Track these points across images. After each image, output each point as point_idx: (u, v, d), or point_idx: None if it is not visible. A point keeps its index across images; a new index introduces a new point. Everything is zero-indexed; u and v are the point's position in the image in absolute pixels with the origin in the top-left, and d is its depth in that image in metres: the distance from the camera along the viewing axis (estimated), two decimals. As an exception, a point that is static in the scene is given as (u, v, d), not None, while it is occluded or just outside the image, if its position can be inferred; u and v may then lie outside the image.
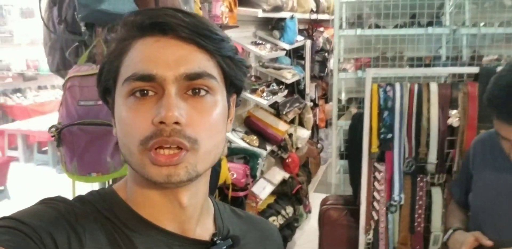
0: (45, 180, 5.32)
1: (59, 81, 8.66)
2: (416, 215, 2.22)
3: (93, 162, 1.63)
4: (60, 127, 1.63)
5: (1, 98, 7.62)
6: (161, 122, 0.56)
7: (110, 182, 1.96)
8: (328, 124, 5.70)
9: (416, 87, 2.10)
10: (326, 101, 5.79)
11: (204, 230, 0.69)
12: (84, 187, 1.83)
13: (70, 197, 0.66)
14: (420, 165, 2.19)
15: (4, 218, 0.56)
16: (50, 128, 1.66)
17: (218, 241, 0.68)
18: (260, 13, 3.26)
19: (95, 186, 1.91)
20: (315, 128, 5.26)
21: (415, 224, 2.22)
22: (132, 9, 1.64)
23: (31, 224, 0.55)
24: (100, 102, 1.59)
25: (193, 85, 0.59)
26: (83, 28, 1.62)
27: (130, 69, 0.59)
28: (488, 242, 1.29)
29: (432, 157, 2.14)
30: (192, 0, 2.24)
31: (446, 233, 1.46)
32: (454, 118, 2.10)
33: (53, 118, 6.14)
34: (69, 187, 1.77)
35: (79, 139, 1.61)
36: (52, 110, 7.61)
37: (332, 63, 5.54)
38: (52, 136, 1.66)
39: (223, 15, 2.93)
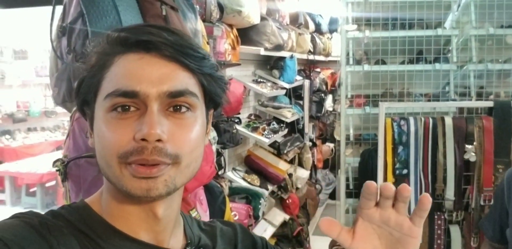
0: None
1: (49, 123, 8.54)
2: (435, 256, 2.11)
3: (100, 198, 1.53)
4: (66, 160, 1.53)
5: (-11, 140, 7.47)
6: (143, 139, 0.57)
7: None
8: (328, 164, 5.63)
9: (430, 121, 2.06)
10: (324, 142, 5.75)
11: (176, 241, 0.70)
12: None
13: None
14: (437, 202, 2.11)
15: None
16: (55, 161, 1.56)
17: None
18: (262, 51, 3.27)
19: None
20: (313, 169, 5.18)
21: (435, 265, 2.11)
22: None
23: (2, 238, 0.54)
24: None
25: (174, 102, 0.60)
26: (94, 57, 1.57)
27: (112, 84, 0.60)
28: None
29: (450, 193, 2.07)
30: (200, 34, 2.22)
31: None
32: (470, 152, 2.04)
33: (42, 160, 5.95)
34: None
35: (86, 173, 1.51)
36: (41, 152, 7.46)
37: (327, 104, 5.60)
38: (57, 170, 1.55)
39: (226, 52, 2.93)
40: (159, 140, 0.57)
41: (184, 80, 0.61)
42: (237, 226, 0.83)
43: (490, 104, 2.10)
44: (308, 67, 5.06)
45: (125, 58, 0.61)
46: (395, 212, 0.61)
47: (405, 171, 2.08)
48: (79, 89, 0.65)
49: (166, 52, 0.60)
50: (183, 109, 0.61)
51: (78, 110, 0.67)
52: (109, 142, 0.59)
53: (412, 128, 2.05)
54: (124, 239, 0.63)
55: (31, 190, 6.04)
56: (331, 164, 5.80)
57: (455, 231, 2.13)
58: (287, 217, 4.06)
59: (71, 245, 0.59)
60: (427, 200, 0.59)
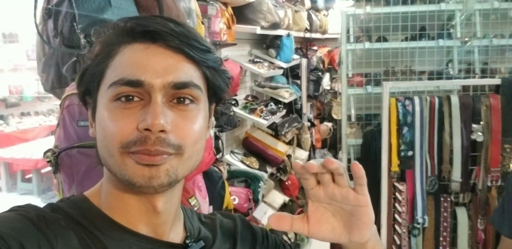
0: (30, 210, 5.05)
1: (43, 107, 8.41)
2: (441, 238, 2.06)
3: (95, 189, 1.45)
4: (57, 150, 1.45)
5: (-18, 126, 7.37)
6: (146, 129, 0.57)
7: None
8: (326, 144, 5.58)
9: (436, 100, 1.98)
10: (321, 121, 5.68)
11: (176, 234, 0.70)
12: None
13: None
14: (443, 184, 2.05)
15: None
16: (45, 152, 1.48)
17: (190, 244, 0.69)
18: (259, 30, 3.16)
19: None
20: (311, 149, 5.13)
21: (440, 247, 2.06)
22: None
23: None
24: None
25: (178, 94, 0.60)
26: (82, 41, 1.46)
27: (117, 73, 0.60)
28: None
29: (456, 174, 2.01)
30: (194, 13, 2.12)
31: None
32: (477, 132, 1.97)
33: (37, 145, 5.87)
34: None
35: (78, 164, 1.43)
36: (36, 137, 7.37)
37: (325, 82, 5.49)
38: (48, 162, 1.47)
39: (222, 32, 2.82)
40: (162, 131, 0.57)
41: (189, 72, 0.61)
42: (237, 218, 0.82)
43: (497, 81, 2.02)
44: (305, 45, 4.93)
45: (131, 48, 0.61)
46: (337, 186, 0.60)
47: (410, 153, 2.01)
48: (82, 78, 0.64)
49: (172, 43, 0.60)
50: (187, 101, 0.61)
51: (79, 99, 0.67)
52: (112, 131, 0.59)
53: (417, 108, 1.98)
54: (123, 232, 0.63)
55: (27, 176, 5.97)
56: (330, 143, 5.74)
57: (461, 213, 2.09)
58: (286, 199, 4.02)
59: (69, 238, 0.59)
60: (357, 167, 0.58)
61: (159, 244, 0.66)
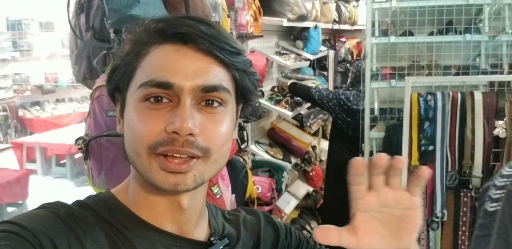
0: (63, 193, 5.24)
1: (77, 94, 8.60)
2: (460, 233, 2.08)
3: (122, 176, 1.53)
4: (87, 138, 1.54)
5: (20, 111, 7.66)
6: (174, 132, 0.57)
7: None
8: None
9: (459, 96, 1.98)
10: (348, 113, 5.66)
11: (201, 232, 0.71)
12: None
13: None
14: (464, 179, 2.06)
15: (3, 222, 0.57)
16: (77, 140, 1.57)
17: (215, 241, 0.70)
18: (285, 23, 3.19)
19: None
20: (337, 140, 5.12)
21: (459, 242, 2.08)
22: (163, 15, 1.57)
23: (31, 228, 0.55)
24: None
25: (207, 97, 0.61)
26: (112, 35, 1.54)
27: (147, 74, 0.60)
28: None
29: (477, 170, 2.01)
30: (220, 7, 2.16)
31: None
32: (500, 128, 1.97)
33: (71, 131, 6.03)
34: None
35: (107, 152, 1.52)
36: (70, 123, 7.62)
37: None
38: (79, 149, 1.57)
39: (248, 24, 2.85)
40: (190, 134, 0.58)
41: (219, 75, 0.62)
42: (260, 214, 0.83)
43: (523, 77, 2.00)
44: (333, 37, 4.92)
45: (161, 49, 0.61)
46: (390, 190, 0.56)
47: (431, 148, 2.02)
48: (112, 76, 0.66)
49: (202, 46, 0.60)
50: (215, 104, 0.62)
51: (109, 95, 0.68)
52: (139, 132, 0.59)
53: (440, 103, 1.98)
54: (149, 229, 0.65)
55: (62, 160, 6.19)
56: (356, 135, 5.70)
57: (481, 208, 2.09)
58: (310, 189, 4.06)
59: (97, 235, 0.61)
60: (425, 171, 0.55)
61: (184, 242, 0.67)
